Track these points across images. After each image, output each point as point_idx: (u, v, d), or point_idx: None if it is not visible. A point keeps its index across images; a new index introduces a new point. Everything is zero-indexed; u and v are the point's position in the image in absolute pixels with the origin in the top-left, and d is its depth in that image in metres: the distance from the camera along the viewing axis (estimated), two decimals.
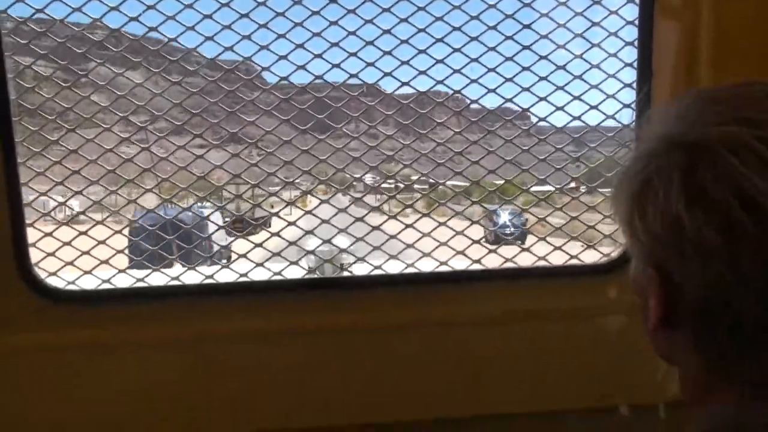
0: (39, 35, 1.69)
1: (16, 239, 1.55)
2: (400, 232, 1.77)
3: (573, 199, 1.86)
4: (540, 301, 1.72)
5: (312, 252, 1.78)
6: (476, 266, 1.77)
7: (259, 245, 1.76)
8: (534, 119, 1.79)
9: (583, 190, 1.87)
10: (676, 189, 0.73)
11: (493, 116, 1.80)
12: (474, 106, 1.81)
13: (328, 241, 1.77)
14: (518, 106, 1.74)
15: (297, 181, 1.95)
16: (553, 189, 1.87)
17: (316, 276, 1.77)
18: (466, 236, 1.79)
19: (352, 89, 1.73)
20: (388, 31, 1.60)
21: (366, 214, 1.82)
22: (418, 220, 1.77)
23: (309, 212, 1.84)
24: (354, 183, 1.89)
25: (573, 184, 1.91)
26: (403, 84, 1.67)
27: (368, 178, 1.93)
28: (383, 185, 2.04)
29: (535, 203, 1.90)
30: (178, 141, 1.89)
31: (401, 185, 1.95)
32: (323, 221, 1.75)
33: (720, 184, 0.70)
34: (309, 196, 2.01)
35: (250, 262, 1.72)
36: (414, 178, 1.97)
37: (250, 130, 1.98)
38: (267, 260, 1.75)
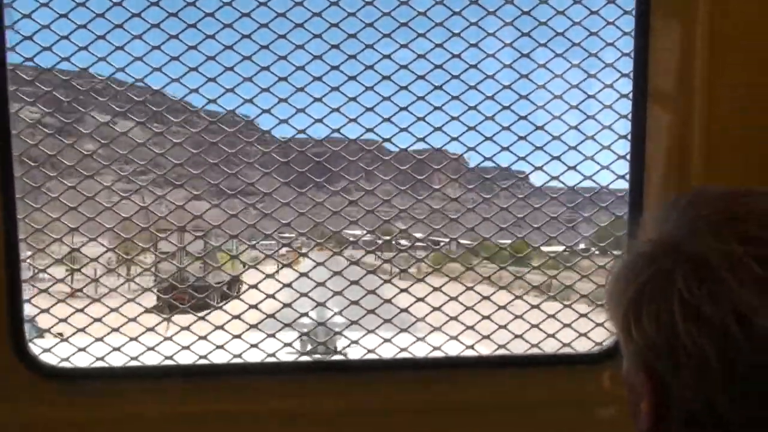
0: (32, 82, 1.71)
1: (12, 315, 1.58)
2: (394, 296, 1.79)
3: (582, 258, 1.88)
4: (533, 389, 1.76)
5: (306, 334, 1.81)
6: (471, 352, 1.80)
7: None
8: (533, 182, 1.82)
9: (596, 252, 1.90)
10: (672, 299, 0.75)
11: (493, 178, 1.84)
12: (474, 166, 1.84)
13: (323, 324, 1.78)
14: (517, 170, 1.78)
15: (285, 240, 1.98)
16: (561, 249, 1.89)
17: (312, 359, 1.80)
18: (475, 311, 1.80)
19: (354, 150, 1.78)
20: (387, 99, 1.64)
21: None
22: (412, 285, 1.79)
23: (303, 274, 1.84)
24: (351, 241, 1.92)
25: (582, 245, 1.94)
26: (402, 150, 1.70)
27: (367, 237, 1.96)
28: (380, 244, 2.05)
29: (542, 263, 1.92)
30: (173, 194, 1.93)
31: (402, 244, 1.97)
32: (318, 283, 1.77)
33: (716, 301, 0.73)
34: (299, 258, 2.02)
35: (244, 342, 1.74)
36: (418, 236, 2.00)
37: (244, 183, 2.00)
38: (260, 341, 1.76)
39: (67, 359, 1.66)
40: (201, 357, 1.69)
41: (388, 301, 1.82)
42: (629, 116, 1.71)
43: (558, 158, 1.74)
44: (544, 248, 1.93)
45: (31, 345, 1.62)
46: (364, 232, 1.91)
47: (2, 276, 1.55)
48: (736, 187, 0.83)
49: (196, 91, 1.61)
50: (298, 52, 1.59)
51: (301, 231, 1.84)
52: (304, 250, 2.11)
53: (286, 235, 2.01)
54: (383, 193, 1.87)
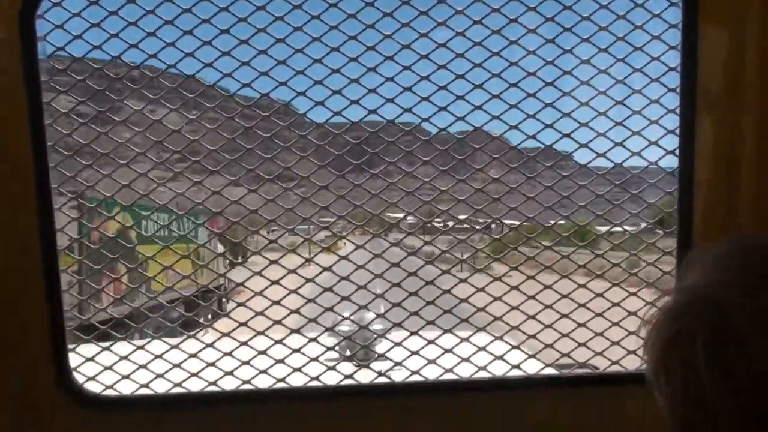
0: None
1: (55, 344, 1.61)
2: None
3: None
4: (584, 409, 1.76)
5: (348, 338, 1.83)
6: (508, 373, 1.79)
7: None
8: (576, 160, 1.80)
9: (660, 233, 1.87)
10: (698, 357, 0.76)
11: (535, 158, 1.82)
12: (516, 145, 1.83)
13: (366, 327, 1.78)
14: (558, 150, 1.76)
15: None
16: (623, 230, 1.86)
17: (354, 385, 1.79)
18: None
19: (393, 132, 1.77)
20: (426, 78, 1.63)
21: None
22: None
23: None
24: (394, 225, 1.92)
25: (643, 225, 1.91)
26: (441, 129, 1.69)
27: (410, 219, 1.96)
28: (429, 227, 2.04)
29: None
30: (212, 181, 1.95)
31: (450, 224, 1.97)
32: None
33: (742, 359, 0.74)
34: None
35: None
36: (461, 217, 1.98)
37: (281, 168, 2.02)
38: (302, 346, 1.77)
39: (110, 387, 1.69)
40: (244, 382, 1.71)
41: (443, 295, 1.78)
42: (677, 111, 1.68)
43: (603, 134, 1.71)
44: (601, 228, 1.90)
45: (75, 374, 1.66)
46: (406, 215, 1.90)
47: (44, 306, 1.59)
48: None
49: (230, 76, 1.60)
50: (333, 32, 1.58)
51: (341, 215, 1.83)
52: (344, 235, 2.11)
53: (326, 219, 2.03)
54: (424, 175, 1.86)
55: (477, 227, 1.96)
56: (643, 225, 1.98)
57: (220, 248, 3.09)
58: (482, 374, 1.75)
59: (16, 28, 1.50)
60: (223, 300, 2.81)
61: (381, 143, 1.86)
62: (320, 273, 1.80)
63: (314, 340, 1.77)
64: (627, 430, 1.67)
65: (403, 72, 1.64)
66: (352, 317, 1.83)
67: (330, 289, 1.79)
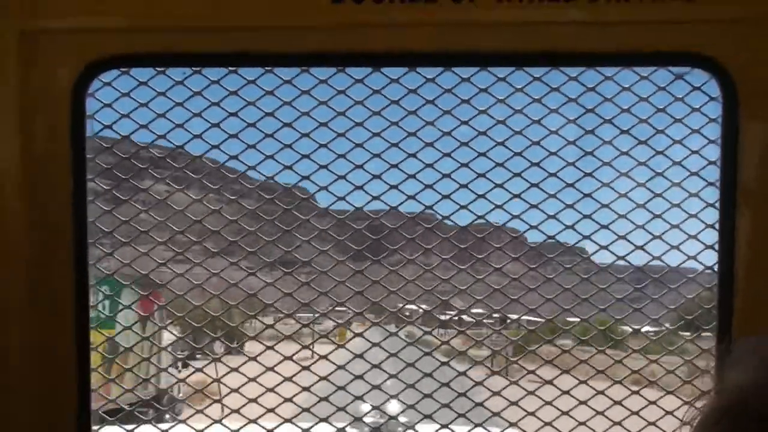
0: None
1: (80, 402, 1.62)
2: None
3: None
4: None
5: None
6: None
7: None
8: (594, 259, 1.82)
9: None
10: None
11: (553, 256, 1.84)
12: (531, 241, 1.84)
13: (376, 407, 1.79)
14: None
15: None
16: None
17: None
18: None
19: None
20: (448, 176, 1.67)
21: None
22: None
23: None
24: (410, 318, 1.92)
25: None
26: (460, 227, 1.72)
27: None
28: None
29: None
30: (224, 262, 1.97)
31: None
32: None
33: None
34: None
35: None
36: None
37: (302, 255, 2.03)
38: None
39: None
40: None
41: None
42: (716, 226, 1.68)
43: (660, 258, 1.73)
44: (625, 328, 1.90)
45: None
46: (420, 307, 1.91)
47: (74, 363, 1.61)
48: None
49: (254, 168, 1.64)
50: (357, 129, 1.62)
51: (355, 308, 1.84)
52: (356, 327, 2.10)
53: (339, 309, 2.03)
54: (440, 270, 1.87)
55: (496, 326, 1.95)
56: (667, 325, 1.96)
57: (167, 337, 2.48)
58: None
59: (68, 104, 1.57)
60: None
61: (398, 237, 1.88)
62: (335, 370, 1.81)
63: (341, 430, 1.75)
64: None
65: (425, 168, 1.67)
66: (375, 407, 1.81)
67: (343, 388, 1.77)
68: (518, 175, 1.69)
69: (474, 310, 2.05)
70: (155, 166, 1.95)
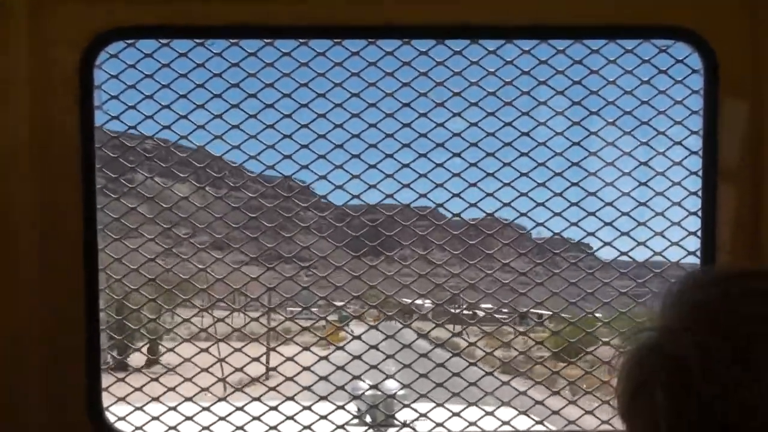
0: None
1: (90, 382, 1.71)
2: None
3: None
4: None
5: (375, 406, 1.92)
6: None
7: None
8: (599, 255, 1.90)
9: None
10: (655, 406, 0.80)
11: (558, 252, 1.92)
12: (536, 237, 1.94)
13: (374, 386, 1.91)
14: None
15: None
16: None
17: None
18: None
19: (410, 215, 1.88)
20: (457, 175, 1.79)
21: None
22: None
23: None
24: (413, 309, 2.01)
25: None
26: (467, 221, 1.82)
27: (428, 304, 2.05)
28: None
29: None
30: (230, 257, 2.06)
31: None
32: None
33: (698, 408, 0.77)
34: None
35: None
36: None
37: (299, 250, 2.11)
38: (329, 413, 1.85)
39: (141, 428, 1.78)
40: (271, 428, 1.79)
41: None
42: (699, 193, 1.78)
43: (627, 234, 1.83)
44: None
45: (107, 413, 1.75)
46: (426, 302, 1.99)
47: (83, 345, 1.69)
48: (731, 270, 0.89)
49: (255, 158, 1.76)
50: (354, 120, 1.74)
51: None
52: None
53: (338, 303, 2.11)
54: (446, 264, 1.95)
55: (504, 319, 2.03)
56: None
57: None
58: None
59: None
60: None
61: (404, 232, 1.97)
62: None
63: (342, 407, 1.86)
64: None
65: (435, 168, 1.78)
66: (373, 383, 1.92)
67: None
68: (509, 144, 1.79)
69: (484, 305, 2.13)
70: (150, 159, 2.02)
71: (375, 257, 2.00)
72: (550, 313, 1.95)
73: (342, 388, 1.91)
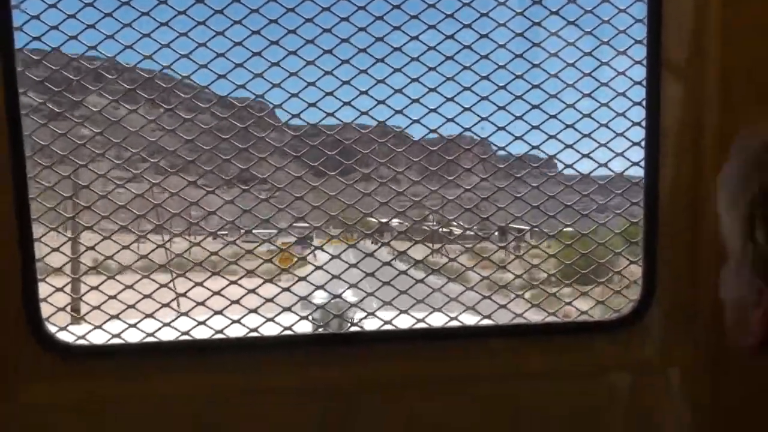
0: (33, 64, 1.82)
1: (26, 294, 1.72)
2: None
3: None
4: (552, 358, 1.93)
5: (323, 306, 1.99)
6: (488, 321, 1.99)
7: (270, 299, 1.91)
8: (560, 166, 1.95)
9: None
10: None
11: (518, 163, 1.96)
12: (500, 153, 1.97)
13: (338, 296, 1.99)
14: (544, 153, 1.91)
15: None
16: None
17: (325, 331, 1.97)
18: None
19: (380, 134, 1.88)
20: (416, 80, 1.79)
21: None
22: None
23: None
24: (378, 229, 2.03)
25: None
26: (431, 131, 1.84)
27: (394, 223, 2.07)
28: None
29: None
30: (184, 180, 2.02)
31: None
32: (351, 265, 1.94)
33: None
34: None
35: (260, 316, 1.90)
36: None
37: (261, 172, 2.09)
38: (275, 315, 1.91)
39: (83, 337, 1.81)
40: (216, 332, 1.85)
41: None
42: (643, 83, 1.87)
43: (589, 135, 1.91)
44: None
45: (47, 324, 1.77)
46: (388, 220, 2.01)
47: (17, 256, 1.69)
48: None
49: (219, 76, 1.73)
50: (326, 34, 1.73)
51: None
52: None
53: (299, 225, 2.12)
54: (407, 182, 1.97)
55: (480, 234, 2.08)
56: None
57: None
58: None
59: None
60: None
61: (363, 148, 1.97)
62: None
63: (288, 309, 1.92)
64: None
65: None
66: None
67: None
68: (468, 68, 1.84)
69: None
70: (98, 80, 1.96)
71: (341, 176, 1.99)
72: (528, 228, 2.00)
73: (305, 298, 1.97)
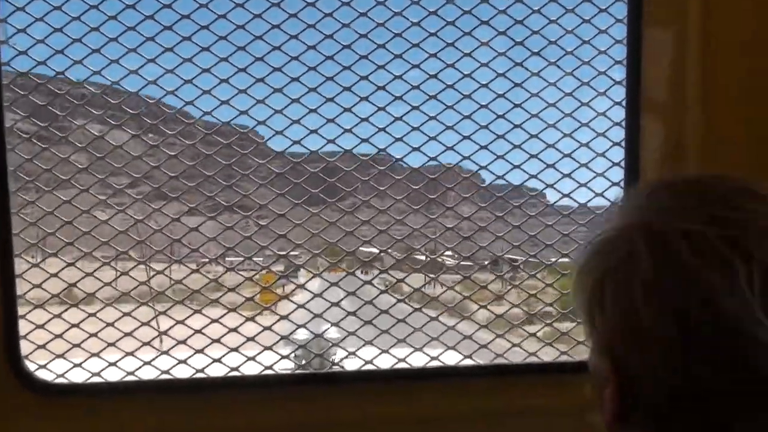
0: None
1: (7, 331, 1.71)
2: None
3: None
4: (530, 397, 1.92)
5: (303, 345, 1.98)
6: (468, 362, 1.97)
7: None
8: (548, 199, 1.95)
9: None
10: (634, 281, 0.82)
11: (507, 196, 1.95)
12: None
13: (320, 335, 1.97)
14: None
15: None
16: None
17: (305, 371, 1.97)
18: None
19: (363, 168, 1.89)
20: (399, 118, 1.78)
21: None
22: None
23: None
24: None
25: None
26: (413, 169, 1.84)
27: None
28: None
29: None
30: (171, 209, 2.02)
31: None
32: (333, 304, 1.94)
33: (678, 282, 0.79)
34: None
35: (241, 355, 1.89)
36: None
37: (247, 201, 2.10)
38: (257, 354, 1.90)
39: (62, 375, 1.80)
40: (197, 371, 1.84)
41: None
42: (623, 124, 1.88)
43: (569, 175, 1.91)
44: None
45: (26, 362, 1.76)
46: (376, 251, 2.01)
47: None
48: (703, 174, 0.91)
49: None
50: (311, 73, 1.75)
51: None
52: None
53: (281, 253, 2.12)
54: (395, 212, 1.97)
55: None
56: None
57: None
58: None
59: None
60: None
61: (346, 175, 1.97)
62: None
63: (269, 348, 1.92)
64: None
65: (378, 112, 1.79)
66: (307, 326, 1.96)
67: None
68: (450, 108, 1.84)
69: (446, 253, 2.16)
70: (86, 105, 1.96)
71: (326, 207, 1.99)
72: (523, 258, 2.00)
73: (287, 337, 1.95)
